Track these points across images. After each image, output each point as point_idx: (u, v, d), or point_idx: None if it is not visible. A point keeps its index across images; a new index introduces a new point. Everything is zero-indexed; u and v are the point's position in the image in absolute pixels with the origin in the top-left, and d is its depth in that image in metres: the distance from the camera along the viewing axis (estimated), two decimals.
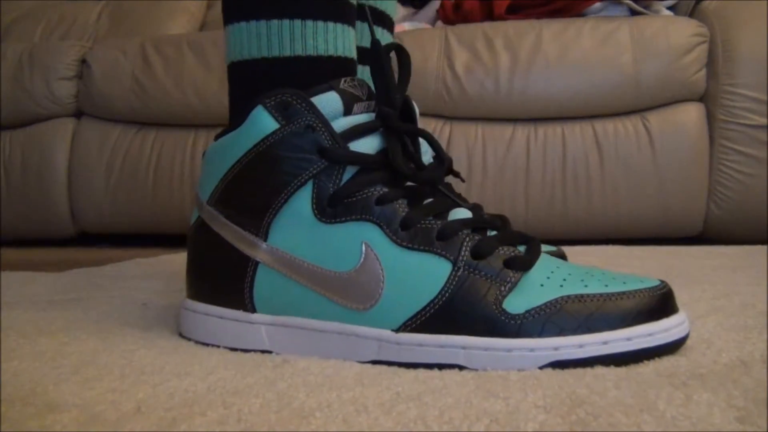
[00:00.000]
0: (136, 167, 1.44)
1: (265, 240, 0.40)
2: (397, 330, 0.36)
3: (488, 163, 1.27)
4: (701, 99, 1.22)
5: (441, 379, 0.32)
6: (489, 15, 1.41)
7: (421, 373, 0.34)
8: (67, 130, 1.49)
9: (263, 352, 0.40)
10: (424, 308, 0.36)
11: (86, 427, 0.26)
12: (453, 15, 1.47)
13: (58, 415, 0.28)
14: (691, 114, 1.21)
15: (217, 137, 0.43)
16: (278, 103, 0.40)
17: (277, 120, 0.39)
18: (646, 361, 0.33)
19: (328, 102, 0.40)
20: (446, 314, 0.36)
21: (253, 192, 0.40)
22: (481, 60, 1.26)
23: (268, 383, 0.32)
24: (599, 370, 0.32)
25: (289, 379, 0.32)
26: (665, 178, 1.19)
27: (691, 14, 1.31)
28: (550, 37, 1.23)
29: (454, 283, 0.36)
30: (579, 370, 0.32)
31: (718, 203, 1.19)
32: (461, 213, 0.40)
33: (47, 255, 1.27)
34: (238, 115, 0.41)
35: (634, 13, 1.32)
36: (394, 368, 0.35)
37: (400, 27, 1.50)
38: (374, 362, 0.37)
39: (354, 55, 0.45)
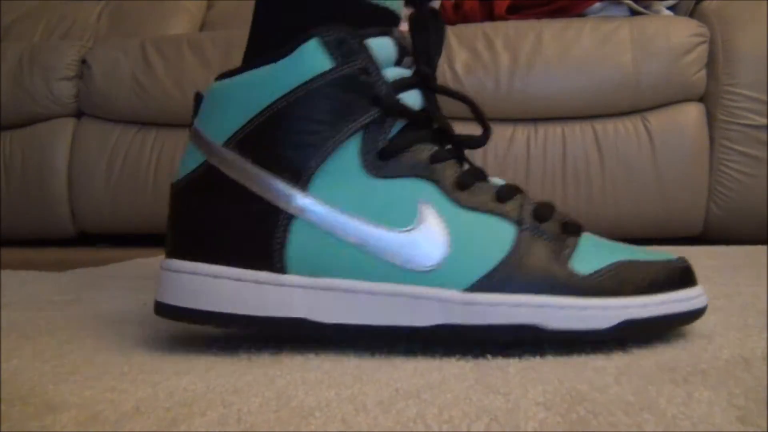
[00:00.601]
0: (136, 167, 1.44)
1: (305, 191, 0.36)
2: (466, 291, 0.35)
3: (488, 163, 1.27)
4: (701, 99, 1.22)
5: (440, 372, 0.32)
6: (489, 15, 1.41)
7: (420, 365, 0.34)
8: (67, 130, 1.50)
9: (291, 319, 0.35)
10: (494, 268, 0.35)
11: (86, 426, 0.26)
12: (453, 15, 1.47)
13: (58, 415, 0.28)
14: (692, 114, 1.21)
15: (224, 76, 0.39)
16: (335, 39, 0.36)
17: (332, 58, 0.36)
18: (647, 355, 0.34)
19: (382, 47, 0.38)
20: (517, 275, 0.35)
21: (295, 136, 0.36)
22: (481, 60, 1.26)
23: (267, 380, 0.32)
24: (599, 362, 0.32)
25: (287, 376, 0.32)
26: (665, 178, 1.19)
27: (691, 14, 1.31)
28: (550, 37, 1.23)
29: (521, 244, 0.36)
30: (579, 363, 0.32)
31: (719, 203, 1.19)
32: (498, 180, 0.40)
33: (47, 255, 1.27)
34: (268, 47, 0.37)
35: (634, 13, 1.32)
36: (393, 362, 0.35)
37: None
38: (436, 327, 0.35)
39: (400, 11, 0.43)
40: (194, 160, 0.38)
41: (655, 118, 1.21)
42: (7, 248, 1.41)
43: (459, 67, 1.26)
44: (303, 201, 0.36)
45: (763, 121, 1.17)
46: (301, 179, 0.36)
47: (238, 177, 0.37)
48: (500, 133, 1.27)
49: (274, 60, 0.36)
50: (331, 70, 0.36)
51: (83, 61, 1.50)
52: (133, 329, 0.45)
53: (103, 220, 1.47)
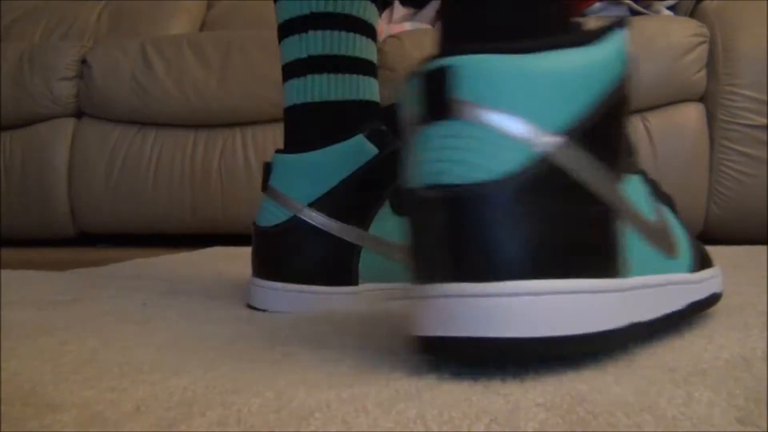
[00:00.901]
0: (136, 167, 1.44)
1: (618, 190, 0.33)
2: (693, 271, 0.41)
3: None
4: (701, 99, 1.22)
5: (438, 372, 0.32)
6: None
7: (418, 366, 0.34)
8: (67, 130, 1.50)
9: (630, 326, 0.32)
10: (691, 248, 0.42)
11: (86, 426, 0.26)
12: None
13: (58, 415, 0.28)
14: (691, 114, 1.21)
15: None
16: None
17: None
18: (647, 355, 0.34)
19: None
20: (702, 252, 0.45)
21: (622, 128, 0.34)
22: None
23: (267, 381, 0.32)
24: (599, 363, 0.32)
25: (287, 376, 0.32)
26: (665, 178, 1.19)
27: (691, 14, 1.31)
28: None
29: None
30: (578, 364, 0.32)
31: (718, 203, 1.19)
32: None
33: (47, 255, 1.27)
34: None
35: (634, 13, 1.32)
36: (392, 362, 0.35)
37: (401, 27, 1.50)
38: (682, 310, 0.39)
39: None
40: (514, 154, 0.29)
41: (655, 118, 1.21)
42: (7, 248, 1.41)
43: None
44: (625, 198, 0.33)
45: (763, 121, 1.17)
46: (619, 178, 0.34)
47: (581, 175, 0.31)
48: None
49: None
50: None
51: (83, 61, 1.50)
52: (134, 329, 0.45)
53: (103, 220, 1.47)
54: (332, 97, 0.55)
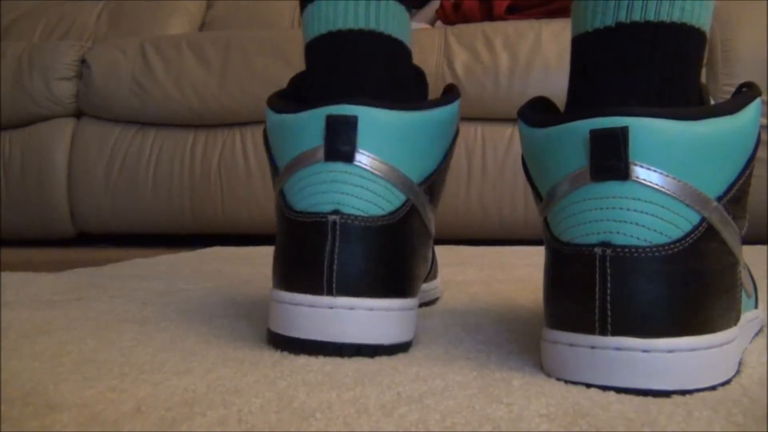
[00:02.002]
0: (135, 167, 1.44)
1: None
2: (756, 306, 0.43)
3: (488, 163, 1.27)
4: None
5: (443, 379, 0.32)
6: (489, 15, 1.41)
7: (422, 371, 0.34)
8: (67, 130, 1.50)
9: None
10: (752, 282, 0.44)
11: (86, 426, 0.26)
12: (452, 15, 1.47)
13: (58, 415, 0.28)
14: None
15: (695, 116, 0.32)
16: None
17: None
18: None
19: None
20: None
21: (749, 187, 0.36)
22: (481, 60, 1.26)
23: (268, 382, 0.32)
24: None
25: (288, 378, 0.32)
26: None
27: None
28: (549, 37, 1.23)
29: None
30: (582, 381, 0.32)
31: None
32: None
33: (47, 255, 1.27)
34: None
35: None
36: (394, 365, 0.35)
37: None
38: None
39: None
40: (689, 218, 0.32)
41: None
42: (7, 248, 1.41)
43: (458, 67, 1.26)
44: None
45: (763, 121, 1.17)
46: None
47: (727, 240, 0.34)
48: (500, 133, 1.27)
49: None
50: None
51: (83, 61, 1.50)
52: (134, 329, 0.45)
53: (103, 220, 1.47)
54: (395, 33, 0.41)
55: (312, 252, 0.36)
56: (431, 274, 0.52)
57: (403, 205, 0.37)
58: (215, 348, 0.40)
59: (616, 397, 0.30)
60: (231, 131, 1.41)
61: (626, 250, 0.31)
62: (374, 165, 0.36)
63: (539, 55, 1.22)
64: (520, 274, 0.74)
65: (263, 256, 1.03)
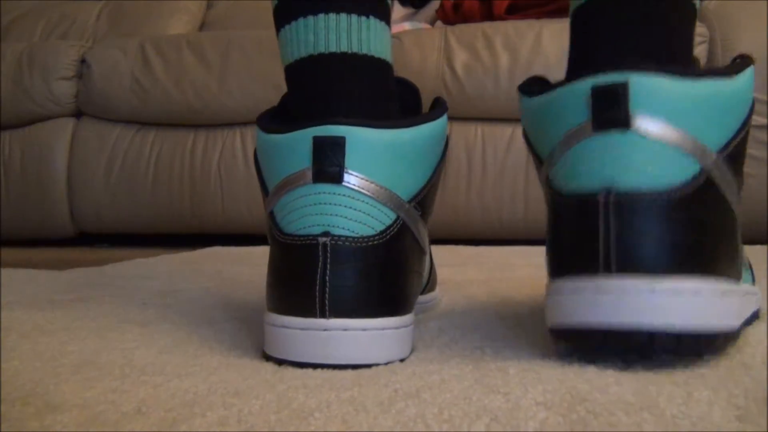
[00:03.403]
0: (135, 167, 1.44)
1: None
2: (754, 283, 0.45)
3: (488, 163, 1.27)
4: None
5: (439, 374, 0.32)
6: (489, 15, 1.41)
7: (418, 369, 0.34)
8: (67, 130, 1.50)
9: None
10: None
11: (86, 427, 0.26)
12: (453, 15, 1.47)
13: (59, 415, 0.28)
14: None
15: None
16: None
17: None
18: (644, 360, 0.34)
19: None
20: None
21: (746, 147, 0.38)
22: (481, 60, 1.26)
23: (268, 385, 0.32)
24: (599, 363, 0.32)
25: (288, 382, 0.32)
26: None
27: None
28: (549, 37, 1.23)
29: None
30: (579, 364, 0.32)
31: None
32: None
33: (47, 255, 1.27)
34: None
35: None
36: (391, 366, 0.35)
37: (401, 27, 1.50)
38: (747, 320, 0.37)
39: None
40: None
41: None
42: (7, 248, 1.41)
43: (459, 67, 1.26)
44: None
45: (763, 121, 1.17)
46: None
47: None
48: (500, 133, 1.27)
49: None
50: None
51: (83, 61, 1.50)
52: (135, 330, 0.45)
53: (103, 220, 1.47)
54: (378, 53, 0.41)
55: (303, 274, 0.36)
56: (428, 287, 0.52)
57: (394, 223, 0.37)
58: (215, 350, 0.40)
59: (615, 378, 0.30)
60: (231, 131, 1.41)
61: (629, 195, 0.32)
62: (362, 185, 0.36)
63: (539, 55, 1.22)
64: (520, 274, 0.74)
65: (263, 256, 1.03)
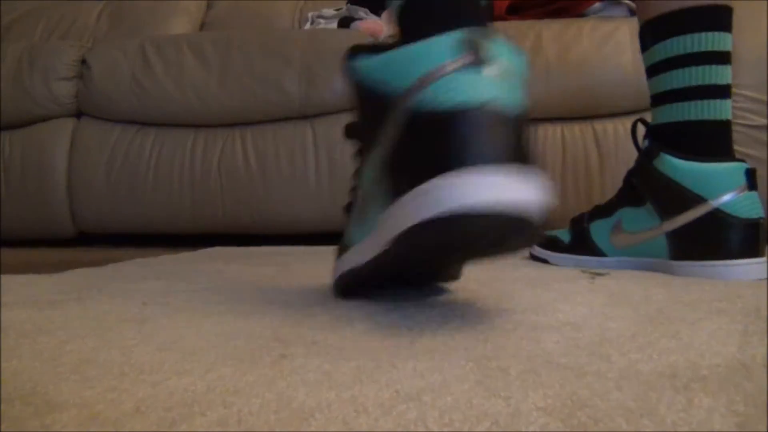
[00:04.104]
0: (136, 167, 1.44)
1: None
2: None
3: None
4: None
5: (440, 373, 0.32)
6: None
7: (419, 365, 0.34)
8: (67, 130, 1.50)
9: None
10: None
11: (86, 426, 0.26)
12: None
13: (58, 415, 0.28)
14: None
15: None
16: None
17: None
18: (646, 359, 0.34)
19: None
20: None
21: None
22: None
23: (267, 381, 0.32)
24: (600, 366, 0.32)
25: (287, 377, 0.32)
26: None
27: None
28: (550, 37, 1.23)
29: None
30: (580, 366, 0.32)
31: None
32: None
33: (47, 255, 1.27)
34: None
35: (634, 13, 1.32)
36: (392, 361, 0.35)
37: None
38: None
39: None
40: None
41: None
42: (7, 248, 1.41)
43: None
44: None
45: (763, 121, 1.17)
46: None
47: None
48: None
49: None
50: None
51: (83, 61, 1.50)
52: (134, 329, 0.45)
53: (103, 220, 1.47)
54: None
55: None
56: None
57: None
58: (215, 348, 0.40)
59: (615, 383, 0.30)
60: (231, 131, 1.41)
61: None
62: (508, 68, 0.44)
63: (539, 55, 1.22)
64: (520, 274, 0.74)
65: (263, 256, 1.03)
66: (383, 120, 0.44)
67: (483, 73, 0.41)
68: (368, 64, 0.46)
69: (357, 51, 0.47)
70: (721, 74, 0.67)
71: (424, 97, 0.41)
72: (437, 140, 0.39)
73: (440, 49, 0.41)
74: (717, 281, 0.62)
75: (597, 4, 1.31)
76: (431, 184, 0.38)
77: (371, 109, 0.47)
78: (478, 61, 0.41)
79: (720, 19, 0.67)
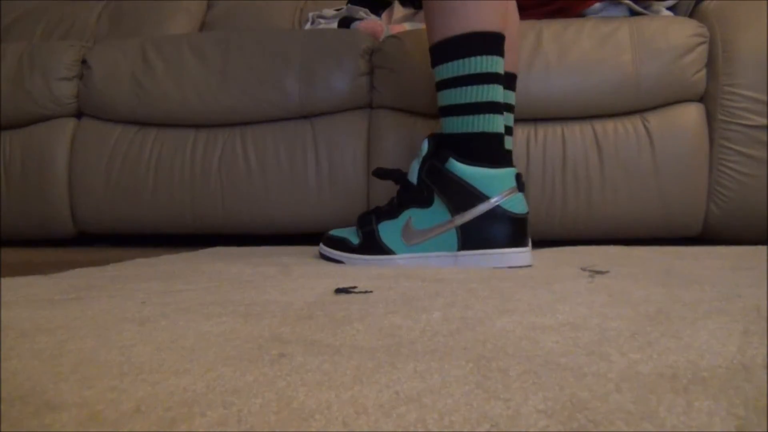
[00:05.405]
0: (136, 167, 1.44)
1: None
2: None
3: None
4: (701, 99, 1.22)
5: (440, 374, 0.32)
6: None
7: (420, 366, 0.34)
8: (67, 130, 1.50)
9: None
10: None
11: (85, 426, 0.26)
12: None
13: (58, 414, 0.28)
14: (691, 114, 1.21)
15: None
16: None
17: None
18: (646, 360, 0.33)
19: None
20: None
21: None
22: None
23: (267, 381, 0.32)
24: (600, 368, 0.32)
25: (287, 377, 0.32)
26: (665, 178, 1.19)
27: (691, 14, 1.31)
28: (550, 37, 1.23)
29: None
30: (579, 367, 0.32)
31: (718, 203, 1.19)
32: None
33: (47, 255, 1.27)
34: None
35: (633, 13, 1.32)
36: (392, 362, 0.35)
37: (401, 27, 1.50)
38: None
39: None
40: None
41: (655, 119, 1.21)
42: (7, 248, 1.41)
43: None
44: None
45: (762, 121, 1.17)
46: None
47: None
48: None
49: None
50: None
51: (83, 62, 1.50)
52: (133, 328, 0.45)
53: (103, 220, 1.47)
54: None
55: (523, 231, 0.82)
56: None
57: None
58: (215, 348, 0.40)
59: (615, 386, 0.30)
60: (231, 131, 1.41)
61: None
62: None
63: (540, 56, 1.22)
64: (520, 274, 0.74)
65: (263, 256, 1.03)
66: (472, 205, 0.80)
67: (522, 194, 0.82)
68: (464, 170, 0.80)
69: (447, 155, 0.81)
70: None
71: (506, 203, 0.80)
72: (511, 227, 0.80)
73: (509, 177, 0.81)
74: (717, 281, 0.62)
75: (597, 4, 1.31)
76: (506, 250, 0.81)
77: (465, 196, 0.81)
78: (521, 188, 0.83)
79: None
